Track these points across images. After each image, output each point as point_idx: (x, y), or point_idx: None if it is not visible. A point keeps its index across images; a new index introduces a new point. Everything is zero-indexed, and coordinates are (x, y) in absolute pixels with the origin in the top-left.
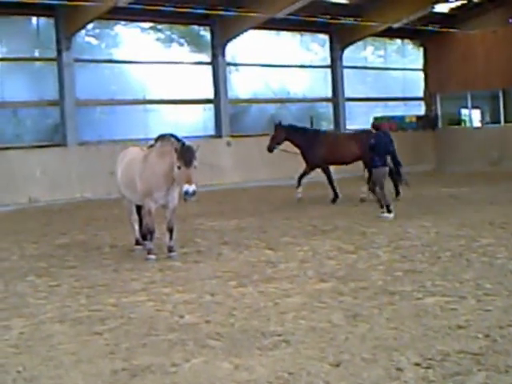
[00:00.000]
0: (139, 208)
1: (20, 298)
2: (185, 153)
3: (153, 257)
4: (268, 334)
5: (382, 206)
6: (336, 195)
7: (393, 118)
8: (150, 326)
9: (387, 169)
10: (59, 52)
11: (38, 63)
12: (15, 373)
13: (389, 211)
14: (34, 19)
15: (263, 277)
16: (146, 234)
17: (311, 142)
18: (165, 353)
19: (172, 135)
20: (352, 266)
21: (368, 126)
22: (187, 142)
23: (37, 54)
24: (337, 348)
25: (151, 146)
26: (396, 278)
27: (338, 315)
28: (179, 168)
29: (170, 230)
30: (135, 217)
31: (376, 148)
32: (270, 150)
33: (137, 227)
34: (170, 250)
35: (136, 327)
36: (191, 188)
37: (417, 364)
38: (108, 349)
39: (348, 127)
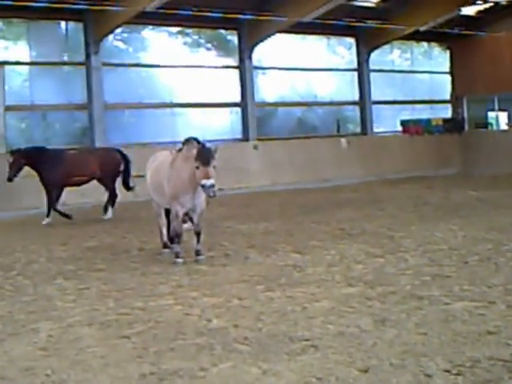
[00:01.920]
0: (168, 212)
1: (48, 300)
2: (203, 153)
3: (180, 260)
4: (296, 339)
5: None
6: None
7: (419, 121)
8: (178, 330)
9: None
10: (88, 56)
11: (66, 67)
12: (44, 376)
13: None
14: (63, 24)
15: (291, 281)
16: (174, 238)
17: (49, 163)
18: (193, 357)
19: (195, 139)
20: (380, 271)
21: (394, 129)
22: (208, 145)
23: (66, 58)
24: (365, 353)
25: (179, 149)
26: (424, 282)
27: (366, 320)
28: (197, 168)
29: (198, 234)
30: (164, 220)
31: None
32: (11, 179)
33: (165, 231)
34: (198, 253)
35: (164, 331)
36: (209, 182)
37: (446, 370)
38: (136, 352)
39: (375, 130)
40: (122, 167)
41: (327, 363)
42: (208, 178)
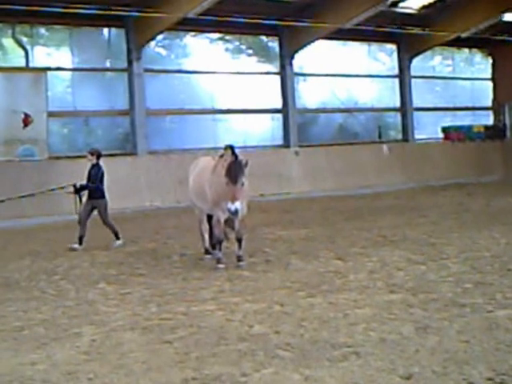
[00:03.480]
0: (210, 217)
1: (91, 305)
2: (232, 169)
3: (222, 266)
4: (338, 346)
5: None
6: None
7: (460, 127)
8: (220, 335)
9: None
10: (130, 62)
11: (109, 73)
12: (86, 380)
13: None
14: (106, 30)
15: (332, 287)
16: (216, 244)
17: None
18: (235, 363)
19: (231, 147)
20: (421, 278)
21: (435, 136)
22: (240, 157)
23: (108, 65)
24: (407, 360)
25: (221, 155)
26: (466, 290)
27: (408, 327)
28: (227, 184)
29: (239, 240)
30: (206, 226)
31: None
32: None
33: (207, 236)
34: (239, 259)
35: (206, 336)
36: (233, 206)
37: (489, 379)
38: (178, 358)
39: (416, 137)
40: None
41: (369, 370)
42: (234, 200)
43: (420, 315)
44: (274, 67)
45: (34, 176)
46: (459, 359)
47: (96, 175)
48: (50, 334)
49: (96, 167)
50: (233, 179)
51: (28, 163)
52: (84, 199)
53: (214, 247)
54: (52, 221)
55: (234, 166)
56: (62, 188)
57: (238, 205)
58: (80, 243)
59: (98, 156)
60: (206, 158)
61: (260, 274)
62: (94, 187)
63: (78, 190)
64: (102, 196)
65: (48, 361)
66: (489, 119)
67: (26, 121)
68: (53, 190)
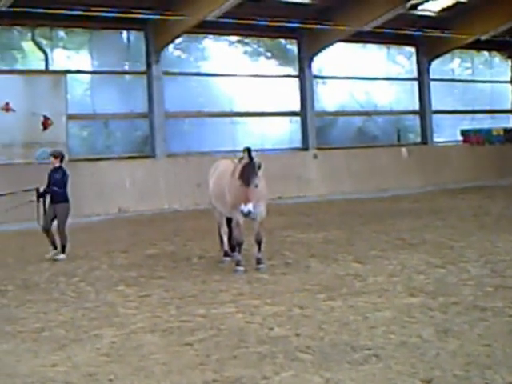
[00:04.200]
0: (229, 220)
1: (110, 307)
2: (245, 171)
3: (241, 268)
4: (358, 348)
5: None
6: None
7: (480, 130)
8: (240, 337)
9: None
10: (149, 65)
11: (128, 76)
12: (107, 381)
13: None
14: (125, 33)
15: (352, 290)
16: (235, 246)
17: None
18: (255, 365)
19: (249, 149)
20: (441, 281)
21: (454, 139)
22: (255, 159)
23: (127, 67)
24: (428, 364)
25: (241, 158)
26: (487, 293)
27: (429, 330)
28: (241, 186)
29: (259, 242)
30: (225, 228)
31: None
32: None
33: (226, 239)
34: (259, 261)
35: (226, 339)
36: (246, 208)
37: None
38: (198, 360)
39: (435, 140)
40: None
41: (389, 373)
42: (247, 201)
43: (440, 318)
44: (292, 70)
45: None
46: (481, 363)
47: (61, 179)
48: (70, 335)
49: (60, 170)
50: (245, 181)
51: (48, 165)
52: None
53: (233, 250)
54: (72, 223)
55: (247, 168)
56: (28, 191)
57: (250, 206)
58: (56, 248)
59: (62, 159)
60: (225, 160)
61: (279, 277)
62: (59, 192)
63: (41, 195)
64: (66, 200)
65: (68, 362)
66: (508, 122)
67: (46, 123)
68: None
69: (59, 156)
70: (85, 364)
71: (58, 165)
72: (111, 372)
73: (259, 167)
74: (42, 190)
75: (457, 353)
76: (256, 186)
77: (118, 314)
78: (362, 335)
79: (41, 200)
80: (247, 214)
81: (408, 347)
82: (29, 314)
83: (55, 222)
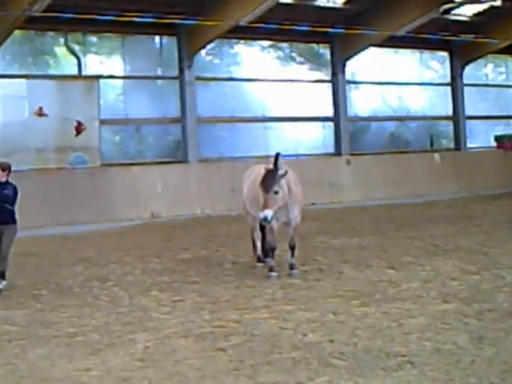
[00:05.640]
0: (263, 225)
1: (144, 312)
2: (266, 178)
3: (274, 274)
4: (392, 355)
5: None
6: None
7: None
8: (274, 343)
9: None
10: (181, 70)
11: (160, 81)
12: None
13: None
14: (157, 38)
15: (385, 296)
16: (268, 251)
17: None
18: (289, 371)
19: (276, 155)
20: (475, 287)
21: (488, 144)
22: (279, 166)
23: (159, 73)
24: (463, 371)
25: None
26: None
27: (463, 337)
28: (261, 192)
29: (292, 248)
30: (259, 234)
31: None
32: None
33: (259, 244)
34: (292, 267)
35: (259, 344)
36: (262, 214)
37: None
38: (232, 365)
39: (469, 145)
40: None
41: (424, 380)
42: (264, 207)
43: (475, 325)
44: (325, 75)
45: (86, 183)
46: None
47: (9, 196)
48: (104, 340)
49: (9, 185)
50: (264, 187)
51: (80, 170)
52: None
53: (266, 255)
54: (105, 227)
55: (268, 175)
56: None
57: (267, 212)
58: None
59: (10, 171)
60: (259, 165)
61: (313, 283)
62: (10, 210)
63: None
64: (14, 221)
65: (102, 367)
66: None
67: (79, 128)
68: None
69: (6, 168)
70: (119, 369)
71: (4, 179)
72: (145, 377)
73: (283, 175)
74: None
75: (492, 360)
76: (276, 193)
77: (151, 318)
78: (396, 342)
79: None
80: (264, 221)
81: (443, 354)
82: (62, 319)
83: None
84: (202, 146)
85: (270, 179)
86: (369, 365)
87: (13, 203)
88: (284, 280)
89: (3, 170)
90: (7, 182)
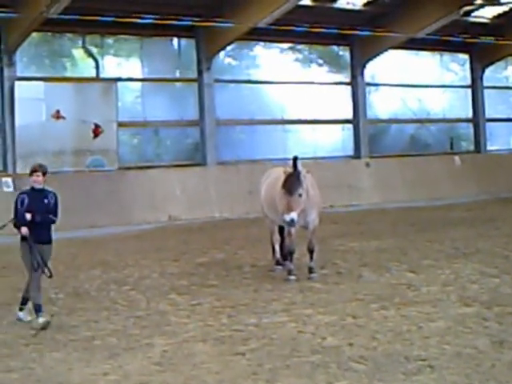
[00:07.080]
0: (281, 228)
1: (162, 315)
2: (288, 181)
3: (293, 277)
4: (412, 359)
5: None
6: None
7: None
8: (293, 347)
9: None
10: (200, 72)
11: (179, 84)
12: None
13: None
14: (176, 40)
15: (405, 300)
16: (287, 255)
17: None
18: (308, 375)
19: (294, 158)
20: (496, 291)
21: (508, 147)
22: (300, 168)
23: (178, 75)
24: (483, 375)
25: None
26: None
27: (484, 341)
28: (285, 194)
29: (311, 251)
30: (277, 237)
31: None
32: None
33: (277, 247)
34: (311, 270)
35: (278, 348)
36: (288, 217)
37: None
38: (251, 369)
39: (489, 148)
40: None
41: None
42: (289, 210)
43: (495, 329)
44: (344, 77)
45: (104, 186)
46: None
47: (51, 206)
48: (122, 344)
49: (49, 193)
50: (288, 190)
51: (98, 173)
52: None
53: (285, 258)
54: (123, 231)
55: (291, 178)
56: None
57: (293, 215)
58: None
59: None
60: (277, 168)
61: (332, 286)
62: (52, 222)
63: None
64: (51, 239)
65: (120, 371)
66: None
67: (97, 131)
68: None
69: (46, 173)
70: (136, 373)
71: (41, 186)
72: (163, 381)
73: (304, 178)
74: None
75: None
76: (300, 196)
77: (169, 322)
78: (415, 345)
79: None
80: (290, 223)
81: (463, 358)
82: (80, 323)
83: None
84: (221, 149)
85: (294, 182)
86: (388, 369)
87: (55, 215)
88: (303, 283)
89: (43, 175)
90: (44, 189)
